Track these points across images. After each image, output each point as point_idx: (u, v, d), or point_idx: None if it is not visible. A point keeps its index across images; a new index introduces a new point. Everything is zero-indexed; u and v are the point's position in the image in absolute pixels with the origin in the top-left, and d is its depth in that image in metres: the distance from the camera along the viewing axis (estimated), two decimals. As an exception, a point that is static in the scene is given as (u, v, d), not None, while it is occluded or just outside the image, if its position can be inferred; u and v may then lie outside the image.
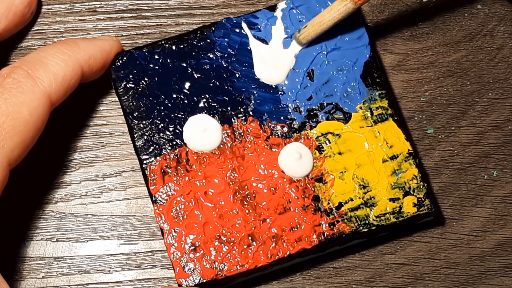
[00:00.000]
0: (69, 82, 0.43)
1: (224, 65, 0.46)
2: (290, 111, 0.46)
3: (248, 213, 0.44)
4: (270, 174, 0.45)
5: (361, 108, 0.46)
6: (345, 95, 0.46)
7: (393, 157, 0.45)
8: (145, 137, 0.45)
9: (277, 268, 0.45)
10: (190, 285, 0.43)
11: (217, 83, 0.46)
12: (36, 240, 0.46)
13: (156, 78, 0.46)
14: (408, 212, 0.44)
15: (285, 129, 0.45)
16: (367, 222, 0.44)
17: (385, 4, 0.49)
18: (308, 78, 0.46)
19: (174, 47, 0.46)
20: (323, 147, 0.45)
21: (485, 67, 0.48)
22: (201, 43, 0.46)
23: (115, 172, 0.47)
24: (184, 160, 0.45)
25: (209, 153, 0.45)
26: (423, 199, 0.44)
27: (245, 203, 0.44)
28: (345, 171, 0.45)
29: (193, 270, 0.43)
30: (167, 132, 0.45)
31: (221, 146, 0.45)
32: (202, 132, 0.45)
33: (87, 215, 0.46)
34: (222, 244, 0.43)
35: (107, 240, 0.46)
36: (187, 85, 0.46)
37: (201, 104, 0.45)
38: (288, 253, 0.44)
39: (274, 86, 0.46)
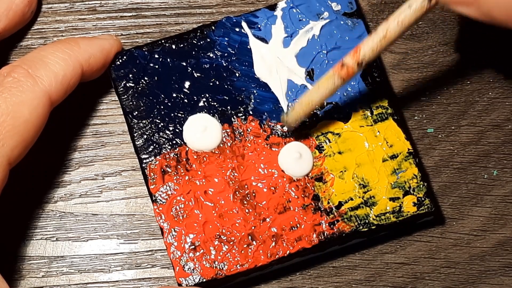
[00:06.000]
0: (69, 81, 0.43)
1: (224, 65, 0.46)
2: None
3: (248, 212, 0.44)
4: (270, 174, 0.45)
5: (361, 107, 0.46)
6: (345, 94, 0.46)
7: (393, 157, 0.45)
8: (145, 136, 0.45)
9: (277, 267, 0.45)
10: (190, 284, 0.43)
11: (217, 83, 0.46)
12: (35, 239, 0.46)
13: (156, 77, 0.46)
14: (408, 212, 0.44)
15: (285, 128, 0.45)
16: (367, 221, 0.44)
17: (385, 4, 0.49)
18: (308, 77, 0.46)
19: (174, 46, 0.46)
20: (323, 146, 0.45)
21: (485, 67, 0.48)
22: (201, 42, 0.46)
23: (115, 171, 0.47)
24: (184, 159, 0.45)
25: (209, 153, 0.45)
26: (423, 199, 0.44)
27: (245, 202, 0.44)
28: (345, 171, 0.45)
29: (193, 270, 0.43)
30: (167, 131, 0.45)
31: (221, 145, 0.45)
32: (202, 131, 0.45)
33: (86, 214, 0.46)
34: (222, 244, 0.43)
35: (107, 239, 0.46)
36: (187, 84, 0.46)
37: (201, 104, 0.45)
38: (288, 252, 0.44)
39: (274, 86, 0.46)
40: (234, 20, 0.46)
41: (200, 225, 0.44)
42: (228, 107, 0.45)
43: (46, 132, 0.43)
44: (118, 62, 0.46)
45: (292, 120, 0.44)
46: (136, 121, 0.45)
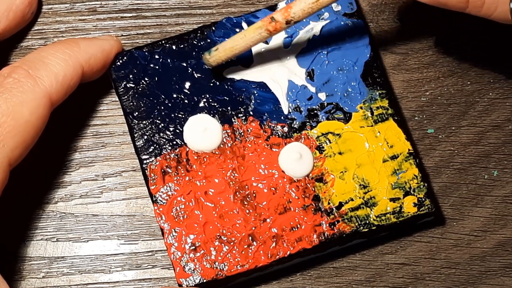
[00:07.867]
0: (69, 82, 0.43)
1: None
2: (290, 110, 0.46)
3: (249, 213, 0.44)
4: (270, 174, 0.45)
5: (361, 108, 0.46)
6: (345, 95, 0.46)
7: (394, 157, 0.45)
8: (145, 137, 0.45)
9: (277, 268, 0.45)
10: (190, 285, 0.43)
11: (217, 83, 0.46)
12: (36, 240, 0.46)
13: (156, 78, 0.46)
14: (409, 212, 0.44)
15: (285, 129, 0.45)
16: (367, 222, 0.44)
17: (385, 4, 0.49)
18: (308, 77, 0.46)
19: (174, 47, 0.46)
20: (323, 147, 0.45)
21: (485, 67, 0.48)
22: (202, 43, 0.46)
23: (115, 172, 0.47)
24: (185, 160, 0.45)
25: (209, 153, 0.45)
26: (423, 199, 0.44)
27: (245, 203, 0.44)
28: (345, 171, 0.45)
29: (193, 270, 0.43)
30: (167, 132, 0.45)
31: (221, 146, 0.45)
32: (202, 132, 0.45)
33: (87, 215, 0.46)
34: (223, 244, 0.43)
35: (107, 240, 0.46)
36: (187, 85, 0.46)
37: (201, 104, 0.45)
38: (288, 253, 0.44)
39: (274, 86, 0.46)
40: (235, 21, 0.46)
41: (200, 226, 0.44)
42: (229, 108, 0.45)
43: (47, 133, 0.43)
44: (118, 63, 0.46)
45: (213, 60, 0.45)
46: (136, 121, 0.45)
